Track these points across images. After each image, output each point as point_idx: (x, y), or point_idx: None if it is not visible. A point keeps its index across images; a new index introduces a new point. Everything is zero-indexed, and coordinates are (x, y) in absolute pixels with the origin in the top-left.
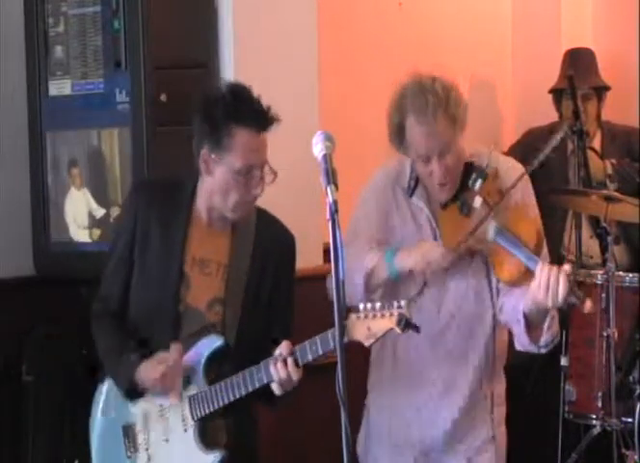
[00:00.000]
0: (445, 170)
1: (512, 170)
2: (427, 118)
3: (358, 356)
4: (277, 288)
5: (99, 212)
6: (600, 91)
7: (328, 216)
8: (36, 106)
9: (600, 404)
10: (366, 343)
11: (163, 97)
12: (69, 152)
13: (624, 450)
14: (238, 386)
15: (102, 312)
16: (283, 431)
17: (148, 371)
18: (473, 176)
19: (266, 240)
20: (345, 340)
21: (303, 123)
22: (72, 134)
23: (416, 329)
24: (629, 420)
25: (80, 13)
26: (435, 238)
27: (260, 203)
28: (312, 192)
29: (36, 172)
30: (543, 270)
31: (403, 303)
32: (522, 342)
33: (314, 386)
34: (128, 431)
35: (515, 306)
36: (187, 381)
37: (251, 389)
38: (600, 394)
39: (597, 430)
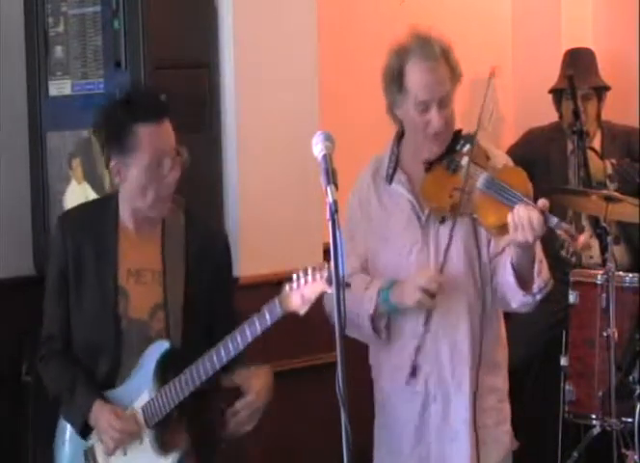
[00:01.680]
0: (444, 121)
1: (497, 151)
2: (432, 53)
3: (357, 356)
4: (216, 287)
5: None
6: (600, 91)
7: (328, 216)
8: (36, 106)
9: (599, 404)
10: (301, 311)
11: (163, 97)
12: (70, 153)
13: (624, 450)
14: (186, 383)
15: (48, 355)
16: (284, 431)
17: (104, 417)
18: (462, 141)
19: (197, 242)
20: (280, 312)
21: (303, 123)
22: (72, 134)
23: (347, 285)
24: (629, 420)
25: (80, 13)
26: (418, 219)
27: (261, 202)
28: (312, 192)
29: (36, 172)
30: (518, 207)
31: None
32: (518, 299)
33: (314, 386)
34: (88, 455)
35: (504, 274)
36: (138, 392)
37: (198, 384)
38: (599, 394)
39: (597, 430)
